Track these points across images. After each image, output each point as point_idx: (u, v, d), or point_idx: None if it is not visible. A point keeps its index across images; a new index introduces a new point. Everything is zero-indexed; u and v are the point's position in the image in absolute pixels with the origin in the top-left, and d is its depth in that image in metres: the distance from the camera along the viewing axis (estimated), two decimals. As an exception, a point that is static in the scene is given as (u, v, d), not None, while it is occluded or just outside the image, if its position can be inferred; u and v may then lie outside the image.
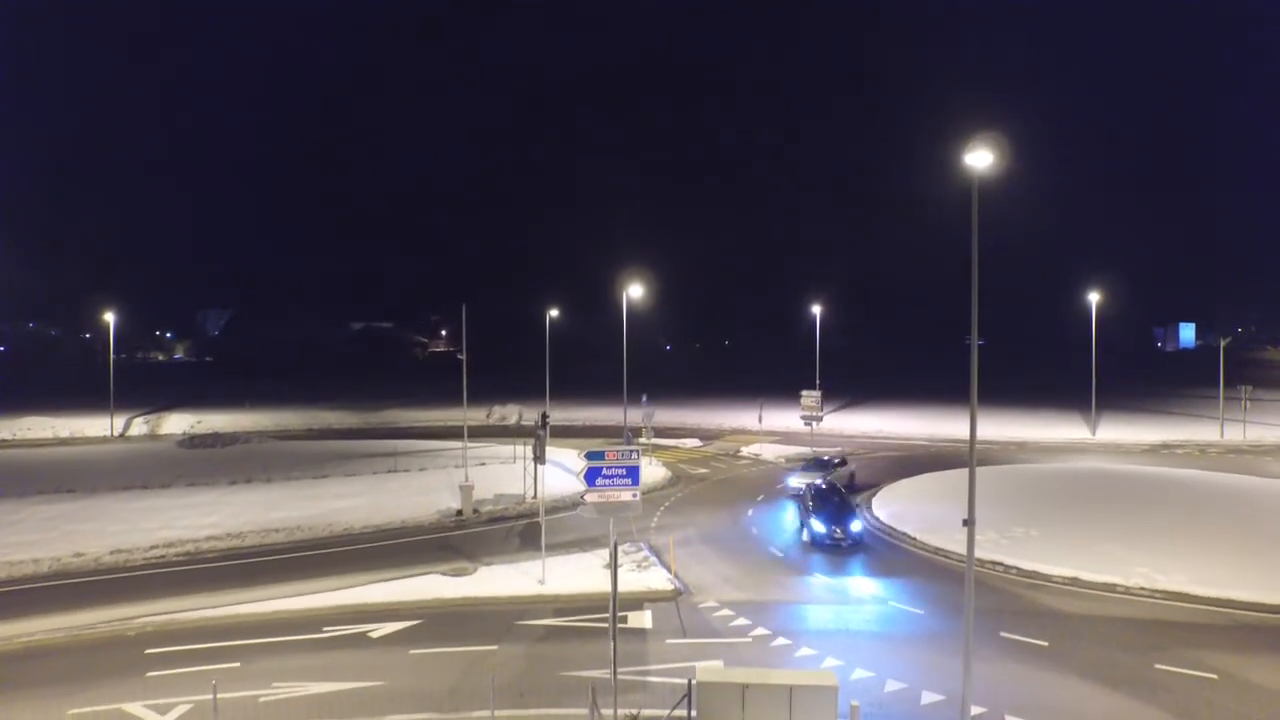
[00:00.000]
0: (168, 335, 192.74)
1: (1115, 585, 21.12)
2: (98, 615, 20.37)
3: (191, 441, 52.93)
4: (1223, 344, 59.74)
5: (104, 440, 55.68)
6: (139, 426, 60.45)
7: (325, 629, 19.40)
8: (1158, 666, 16.38)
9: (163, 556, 25.82)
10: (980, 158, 12.16)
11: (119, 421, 59.50)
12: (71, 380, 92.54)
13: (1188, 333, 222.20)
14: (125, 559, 25.45)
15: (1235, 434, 49.09)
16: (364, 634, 19.13)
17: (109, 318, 70.63)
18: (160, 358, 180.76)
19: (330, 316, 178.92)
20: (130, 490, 35.60)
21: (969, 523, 12.24)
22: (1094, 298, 53.39)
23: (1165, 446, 47.15)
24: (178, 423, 61.35)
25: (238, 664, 17.31)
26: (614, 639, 13.96)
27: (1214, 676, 15.89)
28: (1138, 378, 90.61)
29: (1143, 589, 20.85)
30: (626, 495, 23.11)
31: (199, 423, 61.18)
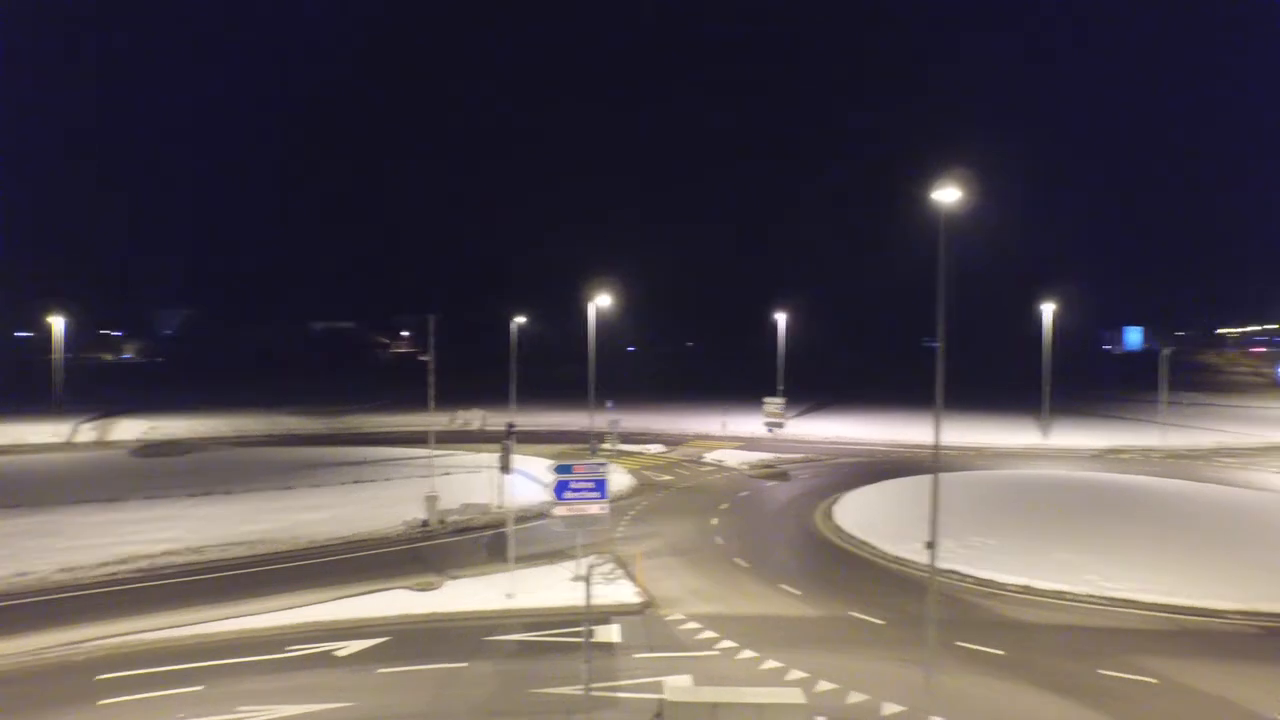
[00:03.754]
0: (115, 334, 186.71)
1: (1064, 593, 21.98)
2: (44, 639, 19.72)
3: (146, 449, 51.52)
4: (1165, 353, 62.11)
5: (49, 448, 53.80)
6: (87, 433, 58.52)
7: (290, 648, 19.18)
8: (1102, 672, 17.14)
9: (115, 574, 25.13)
10: (948, 194, 12.65)
11: (65, 428, 57.58)
12: (8, 383, 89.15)
13: (1134, 336, 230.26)
14: (75, 577, 24.67)
15: (1175, 439, 51.19)
16: (330, 653, 18.96)
17: (56, 316, 68.35)
18: (108, 358, 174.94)
19: (290, 316, 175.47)
20: (81, 504, 34.54)
21: (931, 546, 12.70)
22: (1048, 308, 55.16)
23: (1112, 451, 48.93)
24: (129, 429, 59.56)
25: (199, 687, 17.02)
26: (588, 659, 14.13)
27: (1155, 681, 16.70)
28: (1086, 382, 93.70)
29: (1090, 596, 21.74)
30: (594, 508, 23.40)
31: (153, 429, 59.51)
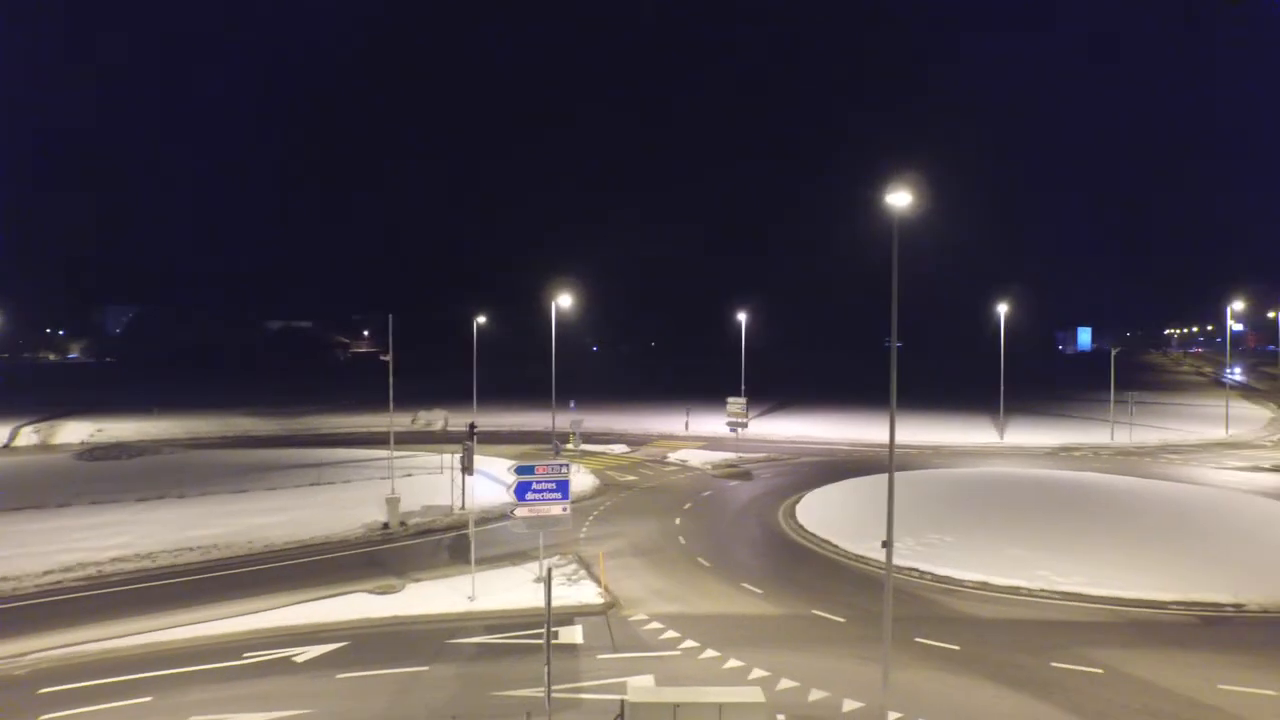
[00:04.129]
0: (60, 333, 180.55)
1: (1020, 588, 22.55)
2: (-15, 652, 18.97)
3: (92, 453, 49.76)
4: (1114, 353, 64.19)
5: (-11, 451, 51.83)
6: (28, 436, 56.39)
7: (246, 655, 18.76)
8: (1054, 665, 17.64)
9: (60, 583, 24.18)
10: (900, 198, 12.87)
11: (3, 431, 55.45)
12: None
13: (1085, 336, 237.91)
14: (14, 587, 23.65)
15: (1123, 436, 52.92)
16: (288, 659, 18.61)
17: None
18: (52, 358, 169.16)
19: (246, 315, 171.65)
20: (22, 510, 33.17)
21: (888, 545, 12.92)
22: (1002, 309, 56.63)
23: (1064, 449, 50.34)
24: (75, 431, 57.58)
25: (149, 698, 16.53)
26: (549, 661, 14.08)
27: (1100, 671, 17.26)
28: (1042, 381, 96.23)
29: (1044, 591, 22.33)
30: (557, 509, 23.37)
31: (100, 431, 57.62)
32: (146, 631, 20.03)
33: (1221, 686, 16.47)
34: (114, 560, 25.87)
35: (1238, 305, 77.26)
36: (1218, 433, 55.99)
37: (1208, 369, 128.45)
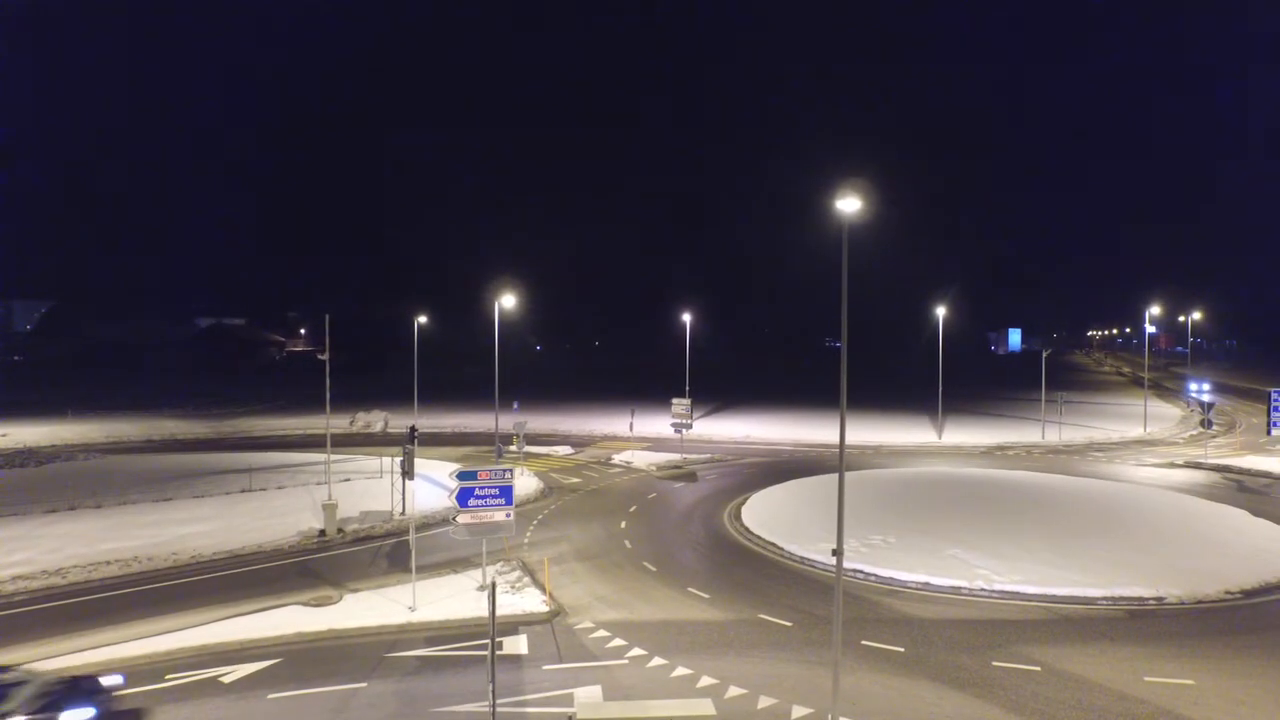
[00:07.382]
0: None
1: (960, 588, 23.02)
2: None
3: (-6, 460, 46.58)
4: (1045, 354, 66.72)
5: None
6: (-75, 441, 52.59)
7: (169, 677, 17.68)
8: (994, 664, 18.00)
9: (-51, 606, 22.37)
10: (849, 204, 12.83)
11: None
12: None
13: (1015, 337, 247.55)
14: (-105, 615, 21.75)
15: (1053, 435, 55.03)
16: (215, 679, 17.62)
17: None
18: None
19: (173, 311, 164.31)
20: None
21: (838, 553, 12.88)
22: (940, 311, 58.16)
23: (999, 448, 51.98)
24: (-23, 437, 53.92)
25: (56, 728, 15.35)
26: (493, 679, 13.59)
27: (1037, 669, 17.69)
28: (976, 381, 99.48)
29: (983, 590, 22.85)
30: (500, 515, 22.83)
31: (4, 436, 54.08)
32: (52, 657, 18.59)
33: (1148, 679, 17.07)
34: (16, 579, 24.02)
35: (1154, 310, 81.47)
36: (1137, 430, 58.74)
37: (1126, 369, 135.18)
